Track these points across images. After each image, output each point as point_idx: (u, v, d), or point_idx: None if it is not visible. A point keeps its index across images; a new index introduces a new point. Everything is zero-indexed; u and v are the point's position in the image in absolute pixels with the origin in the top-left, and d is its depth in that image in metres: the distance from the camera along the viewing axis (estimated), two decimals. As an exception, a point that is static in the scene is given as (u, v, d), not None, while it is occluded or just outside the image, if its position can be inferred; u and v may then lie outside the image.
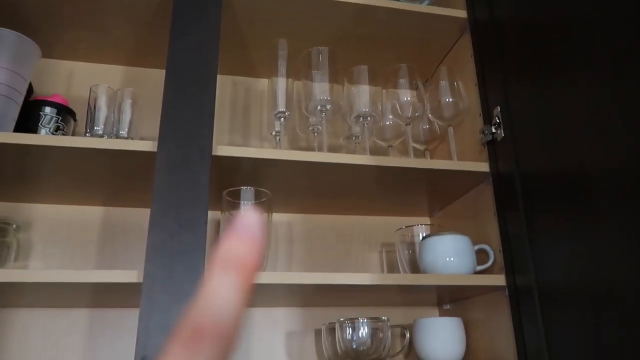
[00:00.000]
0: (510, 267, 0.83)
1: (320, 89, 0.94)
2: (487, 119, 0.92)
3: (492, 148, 0.90)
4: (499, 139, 0.88)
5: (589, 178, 0.67)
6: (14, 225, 0.93)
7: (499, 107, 0.88)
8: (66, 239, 0.99)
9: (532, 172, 0.80)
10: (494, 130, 0.89)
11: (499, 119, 0.88)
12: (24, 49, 0.85)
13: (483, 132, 0.92)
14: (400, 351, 0.97)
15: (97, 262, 0.98)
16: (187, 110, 0.79)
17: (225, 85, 1.17)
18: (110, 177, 0.89)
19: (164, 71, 1.12)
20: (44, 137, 0.76)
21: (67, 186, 0.93)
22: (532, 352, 0.75)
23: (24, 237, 0.97)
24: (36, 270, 0.70)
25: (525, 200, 0.80)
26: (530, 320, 0.76)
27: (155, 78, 1.14)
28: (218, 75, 0.83)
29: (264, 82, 1.20)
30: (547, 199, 0.75)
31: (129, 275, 0.71)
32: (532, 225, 0.78)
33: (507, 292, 0.83)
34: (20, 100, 0.85)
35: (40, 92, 1.04)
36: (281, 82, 0.96)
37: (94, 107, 0.90)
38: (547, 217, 0.75)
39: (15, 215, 0.97)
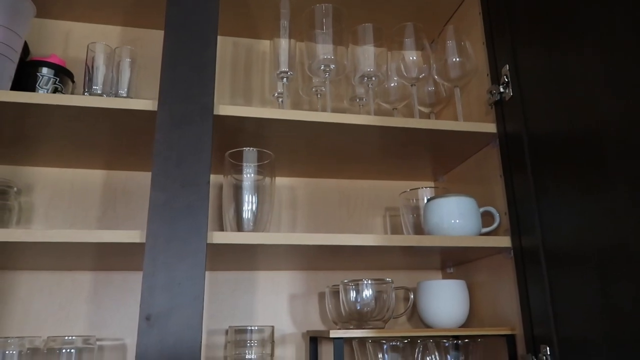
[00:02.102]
0: (517, 228, 0.82)
1: (324, 48, 0.92)
2: (495, 78, 0.90)
3: (500, 108, 0.88)
4: (507, 98, 0.86)
5: (600, 138, 0.65)
6: (15, 188, 0.92)
7: (507, 66, 0.86)
8: (68, 202, 0.98)
9: (541, 133, 0.78)
10: (502, 89, 0.87)
11: (507, 78, 0.86)
12: (17, 5, 0.83)
13: (491, 92, 0.89)
14: (403, 313, 0.97)
15: (99, 225, 0.98)
16: (187, 68, 0.77)
17: (226, 46, 1.15)
18: (110, 139, 0.88)
19: (160, 31, 1.12)
20: (42, 95, 0.74)
21: (68, 149, 0.91)
22: (537, 313, 0.75)
23: (25, 201, 0.96)
24: (39, 230, 0.69)
25: (533, 161, 0.79)
26: (535, 281, 0.76)
27: (154, 38, 1.11)
28: (219, 37, 0.81)
29: (265, 44, 1.17)
30: (556, 160, 0.74)
31: (132, 235, 0.70)
32: (539, 186, 0.77)
33: (512, 254, 0.82)
34: (16, 58, 0.83)
35: (37, 53, 1.02)
36: (284, 42, 0.93)
37: (92, 66, 0.87)
38: (555, 178, 0.74)
39: (17, 179, 0.96)
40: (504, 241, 0.83)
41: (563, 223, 0.71)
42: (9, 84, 0.81)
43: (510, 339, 0.80)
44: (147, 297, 0.66)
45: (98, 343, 0.90)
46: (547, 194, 0.75)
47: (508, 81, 0.85)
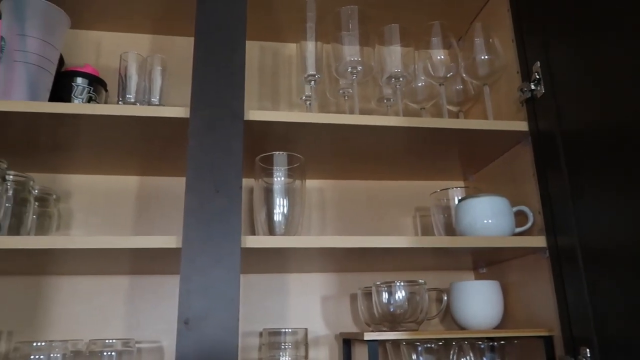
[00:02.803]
0: (552, 228, 0.80)
1: (350, 50, 0.92)
2: (526, 75, 0.88)
3: (532, 106, 0.87)
4: (538, 95, 0.84)
5: (638, 133, 0.63)
6: (54, 196, 0.95)
7: (538, 63, 0.84)
8: (104, 207, 1.01)
9: (575, 130, 0.76)
10: (533, 87, 0.85)
11: (538, 74, 0.84)
12: (53, 18, 0.85)
13: (521, 90, 0.88)
14: (437, 314, 0.97)
15: (134, 229, 1.00)
16: (217, 75, 0.78)
17: (253, 51, 1.16)
18: (143, 146, 0.90)
19: (190, 38, 1.13)
20: (79, 105, 0.77)
21: (103, 156, 0.94)
22: (575, 314, 0.74)
23: (64, 207, 1.00)
24: (79, 237, 0.71)
25: (567, 159, 0.77)
26: (573, 281, 0.75)
27: (181, 45, 1.14)
28: (246, 42, 0.81)
29: (291, 47, 1.18)
30: (591, 157, 0.72)
31: (169, 240, 0.72)
32: (575, 184, 0.75)
33: (547, 254, 0.81)
34: (53, 69, 0.86)
35: (70, 62, 1.05)
36: (310, 45, 0.94)
37: (125, 75, 0.89)
38: (591, 175, 0.72)
39: (55, 186, 0.99)
40: (539, 241, 0.81)
41: (600, 221, 0.70)
42: (47, 96, 0.84)
43: (548, 341, 0.79)
44: (185, 301, 0.67)
45: (137, 345, 0.93)
46: (583, 192, 0.74)
47: (539, 78, 0.84)
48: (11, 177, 0.84)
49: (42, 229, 0.92)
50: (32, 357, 0.75)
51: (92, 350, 0.80)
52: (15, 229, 0.84)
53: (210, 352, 0.66)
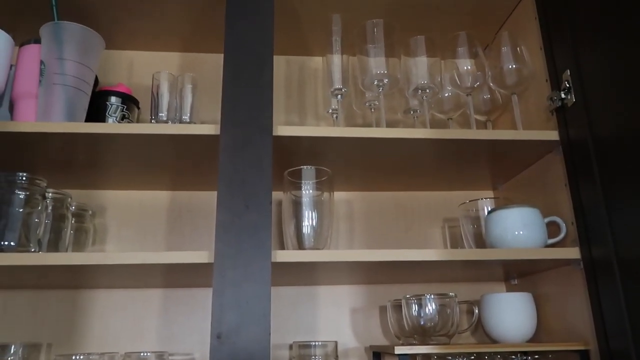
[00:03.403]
0: (586, 239, 0.79)
1: (376, 62, 0.92)
2: (555, 84, 0.87)
3: (562, 115, 0.85)
4: (569, 104, 0.83)
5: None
6: (90, 211, 0.98)
7: (568, 71, 0.83)
8: (137, 222, 1.04)
9: (608, 138, 0.75)
10: (563, 95, 0.84)
11: (568, 83, 0.83)
12: (89, 41, 0.89)
13: (551, 99, 0.87)
14: (468, 328, 0.96)
15: (166, 242, 1.03)
16: (246, 93, 0.80)
17: (279, 65, 1.18)
18: (175, 162, 0.92)
19: (216, 55, 1.16)
20: (114, 125, 0.79)
21: (136, 172, 0.97)
22: (612, 327, 0.72)
23: (99, 222, 1.03)
24: (116, 253, 0.73)
25: (601, 168, 0.76)
26: (609, 293, 0.73)
27: (209, 62, 1.16)
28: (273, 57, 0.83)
29: (317, 60, 1.19)
30: (625, 166, 0.70)
31: (201, 255, 0.73)
32: (609, 194, 0.74)
33: (581, 265, 0.79)
34: (89, 90, 0.89)
35: (104, 82, 1.09)
36: (336, 58, 0.95)
37: (157, 93, 0.92)
38: (626, 184, 0.70)
39: (90, 202, 1.03)
40: (573, 252, 0.80)
41: (637, 231, 0.68)
42: (84, 116, 0.88)
43: (584, 355, 0.77)
44: (218, 316, 0.68)
45: (170, 358, 0.94)
46: (618, 202, 0.72)
47: (570, 87, 0.82)
48: (50, 194, 0.87)
49: (78, 243, 0.95)
50: (72, 369, 0.78)
51: (128, 362, 0.82)
52: (53, 244, 0.87)
53: (243, 366, 0.66)
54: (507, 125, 1.07)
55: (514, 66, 0.92)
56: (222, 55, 1.16)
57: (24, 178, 0.82)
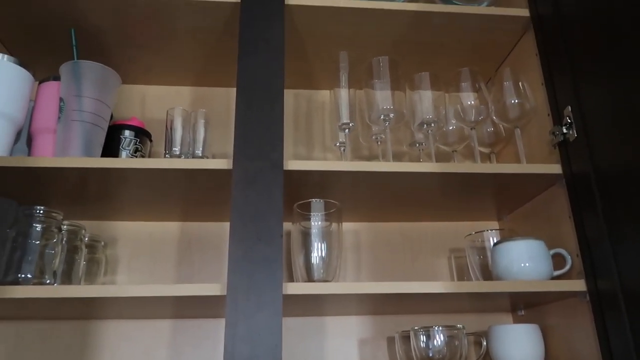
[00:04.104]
0: (591, 271, 0.80)
1: (382, 98, 0.95)
2: (557, 119, 0.90)
3: (564, 149, 0.88)
4: (571, 139, 0.85)
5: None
6: (103, 242, 1.00)
7: (569, 107, 0.86)
8: (148, 253, 1.05)
9: (610, 172, 0.77)
10: (565, 130, 0.87)
11: (570, 118, 0.86)
12: (107, 78, 0.92)
13: (553, 133, 0.89)
14: None
15: (176, 272, 1.04)
16: (258, 128, 0.82)
17: (287, 98, 1.20)
18: (186, 194, 0.94)
19: (225, 89, 1.20)
20: (131, 160, 0.82)
21: (147, 204, 0.99)
22: (620, 358, 0.73)
23: (110, 253, 1.04)
24: (129, 286, 0.75)
25: (604, 201, 0.78)
26: (616, 327, 0.74)
27: (218, 95, 1.20)
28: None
29: (324, 94, 1.23)
30: (628, 199, 0.72)
31: (213, 288, 0.75)
32: (612, 226, 0.75)
33: (587, 298, 0.80)
34: (106, 126, 0.92)
35: (117, 115, 1.12)
36: (344, 94, 0.98)
37: (171, 128, 0.95)
38: (629, 217, 0.72)
39: (102, 233, 1.04)
40: (578, 285, 0.81)
41: (641, 265, 0.70)
42: (100, 151, 0.90)
43: (593, 387, 0.78)
44: (230, 348, 0.70)
45: (179, 389, 0.95)
46: (622, 234, 0.74)
47: (571, 122, 0.85)
48: (65, 226, 0.89)
49: (90, 274, 0.97)
50: (84, 401, 0.78)
51: (139, 394, 0.82)
52: (67, 275, 0.88)
53: (255, 399, 0.67)
54: (511, 157, 1.09)
55: (516, 101, 0.95)
56: (231, 89, 1.20)
57: (41, 211, 0.84)
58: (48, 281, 0.82)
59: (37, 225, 0.84)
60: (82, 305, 0.85)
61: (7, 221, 0.85)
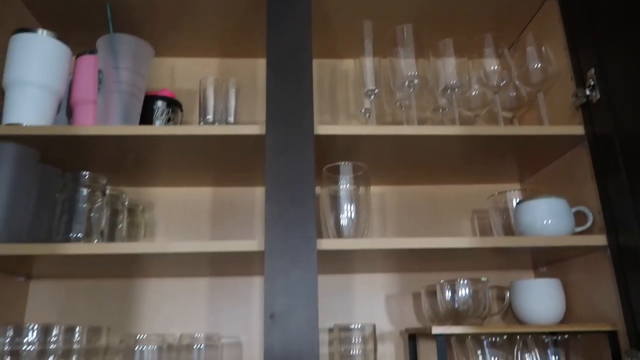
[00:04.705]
0: (612, 227, 0.83)
1: (407, 64, 0.98)
2: (580, 81, 0.92)
3: (587, 110, 0.90)
4: (594, 101, 0.87)
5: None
6: (141, 207, 1.06)
7: (593, 69, 0.88)
8: (183, 217, 1.11)
9: (632, 132, 0.79)
10: (588, 92, 0.89)
11: (593, 80, 0.88)
12: (142, 51, 0.97)
13: (576, 95, 0.91)
14: (500, 311, 1.01)
15: (210, 234, 1.10)
16: (289, 96, 0.86)
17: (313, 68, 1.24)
18: (219, 160, 0.99)
19: (253, 60, 1.23)
20: (170, 127, 0.87)
21: (182, 171, 1.04)
22: (639, 309, 0.77)
23: (149, 217, 1.11)
24: (175, 242, 0.81)
25: (625, 160, 0.80)
26: (636, 278, 0.77)
27: (245, 66, 1.23)
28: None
29: (347, 63, 1.25)
30: (649, 158, 0.75)
31: (252, 244, 0.80)
32: (634, 184, 0.78)
33: (608, 252, 0.84)
34: (142, 97, 0.97)
35: (148, 87, 1.15)
36: (369, 62, 1.01)
37: (204, 97, 0.99)
38: (650, 175, 0.75)
39: (141, 198, 1.11)
40: (600, 240, 0.84)
41: (661, 220, 0.73)
42: (138, 120, 0.95)
43: (612, 336, 0.82)
44: (270, 299, 0.75)
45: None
46: (642, 192, 0.76)
47: (594, 84, 0.87)
48: (108, 191, 0.95)
49: (130, 237, 1.03)
50: (135, 348, 0.85)
51: (183, 344, 0.89)
52: (110, 237, 0.95)
53: (295, 342, 0.73)
54: (533, 122, 1.11)
55: (539, 65, 0.97)
56: (256, 59, 1.24)
57: (86, 176, 0.90)
58: (96, 241, 0.88)
59: (84, 189, 0.89)
60: (127, 262, 0.91)
61: (56, 186, 0.91)
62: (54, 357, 0.82)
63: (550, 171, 1.05)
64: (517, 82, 1.01)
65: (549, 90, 1.02)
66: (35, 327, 0.80)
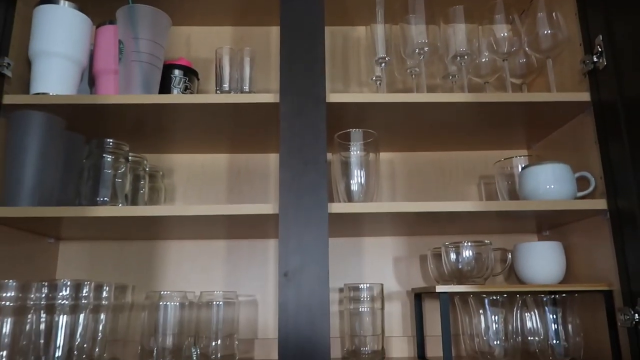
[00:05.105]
0: (613, 192, 0.86)
1: (417, 32, 1.00)
2: (589, 48, 0.93)
3: (594, 77, 0.91)
4: (600, 67, 0.89)
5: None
6: (161, 172, 1.12)
7: (601, 36, 0.89)
8: (201, 182, 1.17)
9: (636, 100, 0.81)
10: (595, 59, 0.90)
11: (600, 47, 0.89)
12: (160, 21, 1.00)
13: (584, 62, 0.93)
14: (502, 271, 1.06)
15: (227, 199, 1.16)
16: (302, 65, 0.89)
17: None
18: (235, 127, 1.03)
19: (266, 28, 1.25)
20: (188, 96, 0.91)
21: (200, 137, 1.08)
22: (634, 270, 0.80)
23: (168, 182, 1.16)
24: (195, 206, 0.86)
25: (628, 127, 0.82)
26: (632, 241, 0.81)
27: (258, 34, 1.25)
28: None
29: (359, 30, 1.26)
30: (652, 124, 0.77)
31: (267, 208, 0.85)
32: (636, 151, 0.81)
33: (608, 216, 0.87)
34: (161, 66, 1.01)
35: (166, 57, 1.19)
36: (380, 29, 1.03)
37: (220, 66, 1.02)
38: (651, 141, 0.77)
39: (161, 164, 1.16)
40: (600, 204, 0.88)
41: (661, 185, 0.75)
42: (157, 88, 0.99)
43: (608, 295, 0.86)
44: (284, 258, 0.80)
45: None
46: (644, 158, 0.79)
47: (601, 51, 0.88)
48: (130, 157, 1.00)
49: (151, 201, 1.09)
50: (160, 303, 0.92)
51: (203, 300, 0.95)
52: (133, 201, 1.00)
53: (307, 299, 0.79)
54: (541, 88, 1.13)
55: (549, 31, 0.98)
56: (270, 27, 1.26)
57: (110, 143, 0.95)
58: (121, 204, 0.94)
59: (108, 156, 0.94)
60: (149, 225, 0.97)
61: (81, 153, 0.96)
62: (85, 312, 0.89)
63: (556, 137, 1.07)
64: (527, 49, 1.02)
65: (559, 57, 1.03)
66: (68, 283, 0.87)
